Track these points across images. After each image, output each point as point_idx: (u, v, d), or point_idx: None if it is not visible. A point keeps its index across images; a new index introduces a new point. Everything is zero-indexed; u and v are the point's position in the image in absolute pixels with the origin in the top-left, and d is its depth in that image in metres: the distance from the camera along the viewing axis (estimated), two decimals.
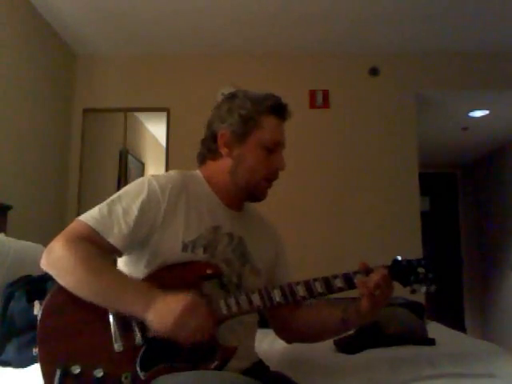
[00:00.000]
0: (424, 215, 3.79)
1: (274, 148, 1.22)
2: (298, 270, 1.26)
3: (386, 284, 1.11)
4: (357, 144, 3.74)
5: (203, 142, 1.29)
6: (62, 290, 1.04)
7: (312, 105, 3.76)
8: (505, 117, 4.47)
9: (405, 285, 1.16)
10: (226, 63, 3.78)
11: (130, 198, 1.13)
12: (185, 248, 1.13)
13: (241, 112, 1.21)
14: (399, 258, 1.17)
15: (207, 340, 1.00)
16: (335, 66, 3.82)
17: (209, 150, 1.26)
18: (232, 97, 1.26)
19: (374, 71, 3.79)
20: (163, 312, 0.98)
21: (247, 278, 1.21)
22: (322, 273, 1.18)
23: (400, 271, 1.15)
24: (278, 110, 1.25)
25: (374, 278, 1.11)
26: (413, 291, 1.16)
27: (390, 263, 1.17)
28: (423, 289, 1.15)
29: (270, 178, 1.24)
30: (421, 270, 1.15)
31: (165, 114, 3.79)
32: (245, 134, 1.21)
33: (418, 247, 3.56)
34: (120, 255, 1.15)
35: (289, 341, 1.38)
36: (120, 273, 1.11)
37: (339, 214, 3.65)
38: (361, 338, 1.66)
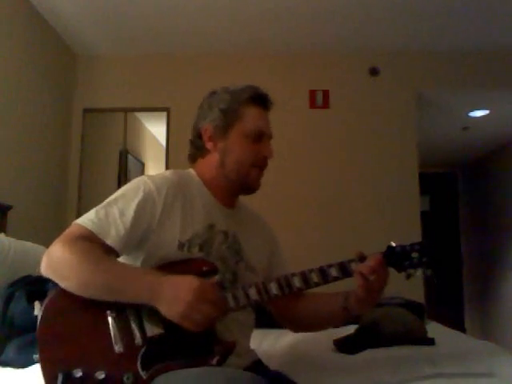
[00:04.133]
0: (424, 215, 3.79)
1: (258, 137, 1.23)
2: (298, 269, 1.26)
3: (382, 268, 1.12)
4: (357, 144, 3.74)
5: (191, 142, 1.31)
6: (60, 293, 1.04)
7: (312, 105, 3.76)
8: (505, 117, 4.47)
9: (399, 270, 1.16)
10: (226, 63, 3.78)
11: (126, 200, 1.13)
12: (181, 247, 1.13)
13: (220, 106, 1.24)
14: (393, 244, 1.17)
15: (213, 325, 1.02)
16: (335, 66, 3.82)
17: (196, 148, 1.29)
18: (212, 94, 1.29)
19: (373, 71, 3.79)
20: (171, 303, 0.98)
21: (242, 275, 1.21)
22: None
23: (394, 257, 1.16)
24: (258, 99, 1.26)
25: (369, 263, 1.12)
26: (408, 276, 1.16)
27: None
28: (418, 273, 1.15)
29: (259, 164, 1.25)
30: (415, 254, 1.15)
31: (165, 113, 3.79)
32: (227, 126, 1.23)
33: None
34: (117, 256, 1.15)
35: (293, 329, 1.41)
36: (122, 264, 1.12)
37: (339, 214, 3.65)
38: (361, 338, 1.67)
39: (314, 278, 1.14)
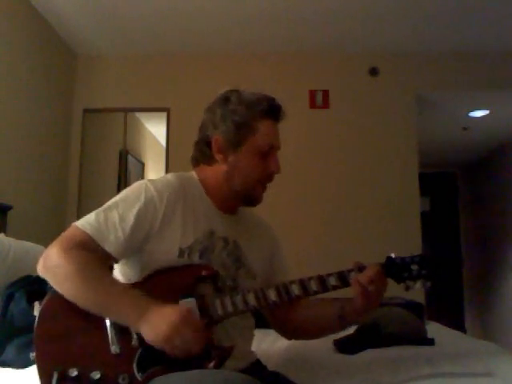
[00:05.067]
0: (424, 215, 3.79)
1: (268, 151, 1.21)
2: (297, 272, 1.26)
3: (380, 279, 1.12)
4: (357, 144, 3.74)
5: (196, 144, 1.27)
6: (58, 294, 1.04)
7: (312, 105, 3.77)
8: (505, 117, 4.47)
9: (398, 282, 1.16)
10: (226, 63, 3.78)
11: (126, 205, 1.12)
12: (181, 254, 1.12)
13: (234, 118, 1.19)
14: (393, 255, 1.17)
15: (199, 354, 1.00)
16: (335, 66, 3.82)
17: (203, 154, 1.25)
18: (225, 100, 1.23)
19: (373, 71, 3.79)
20: (155, 325, 0.98)
21: (242, 281, 1.21)
22: (322, 273, 1.17)
23: (394, 268, 1.16)
24: (273, 112, 1.23)
25: (368, 273, 1.12)
26: (407, 288, 1.16)
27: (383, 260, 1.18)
28: (417, 285, 1.15)
29: (265, 181, 1.24)
30: (414, 266, 1.15)
31: (165, 114, 3.79)
32: (239, 140, 1.19)
33: (418, 247, 3.55)
34: (116, 262, 1.14)
35: (288, 337, 1.40)
36: (115, 283, 1.09)
37: (339, 215, 3.65)
38: (361, 338, 1.67)
39: (313, 286, 1.14)
